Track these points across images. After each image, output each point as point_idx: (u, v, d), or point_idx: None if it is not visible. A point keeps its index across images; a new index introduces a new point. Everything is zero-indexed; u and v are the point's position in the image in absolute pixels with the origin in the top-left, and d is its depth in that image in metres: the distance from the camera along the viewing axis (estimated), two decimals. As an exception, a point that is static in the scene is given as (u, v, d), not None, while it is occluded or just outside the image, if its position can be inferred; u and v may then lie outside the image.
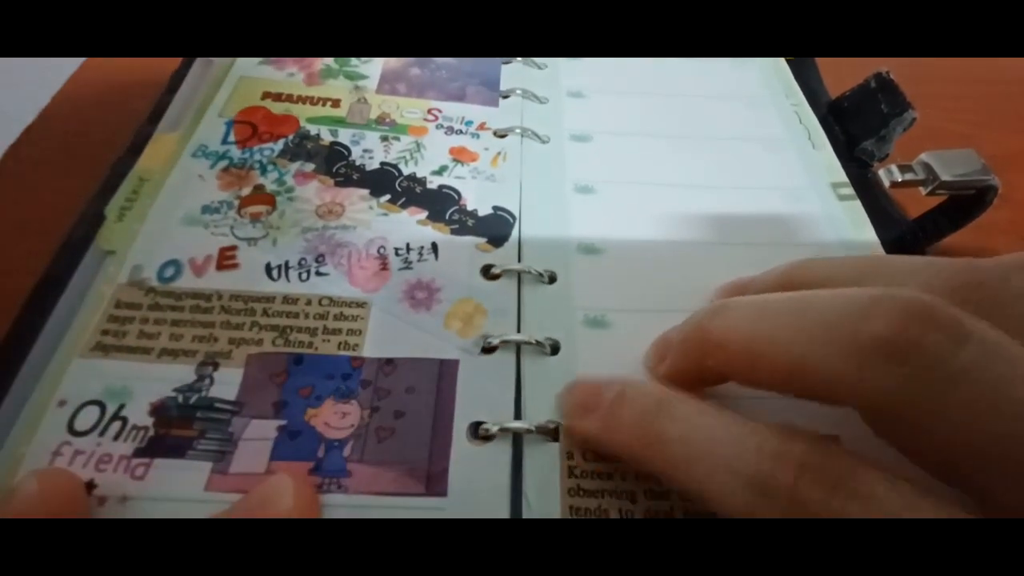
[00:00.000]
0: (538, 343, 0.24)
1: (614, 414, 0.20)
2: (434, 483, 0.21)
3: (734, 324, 0.19)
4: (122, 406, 0.22)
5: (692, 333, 0.21)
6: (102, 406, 0.22)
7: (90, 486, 0.20)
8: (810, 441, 0.16)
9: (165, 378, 0.23)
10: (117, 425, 0.22)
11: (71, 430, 0.21)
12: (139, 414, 0.22)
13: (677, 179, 0.31)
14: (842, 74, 0.35)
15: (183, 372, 0.23)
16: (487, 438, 0.22)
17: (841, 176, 0.31)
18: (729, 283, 0.25)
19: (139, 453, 0.21)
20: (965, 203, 0.28)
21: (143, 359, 0.23)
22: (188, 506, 0.20)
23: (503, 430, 0.22)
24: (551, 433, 0.22)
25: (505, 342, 0.24)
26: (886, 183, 0.28)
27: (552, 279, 0.27)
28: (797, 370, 0.17)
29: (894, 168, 0.28)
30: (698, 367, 0.21)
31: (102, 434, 0.21)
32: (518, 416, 0.23)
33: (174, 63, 0.34)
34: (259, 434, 0.22)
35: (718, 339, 0.19)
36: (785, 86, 0.37)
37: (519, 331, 0.25)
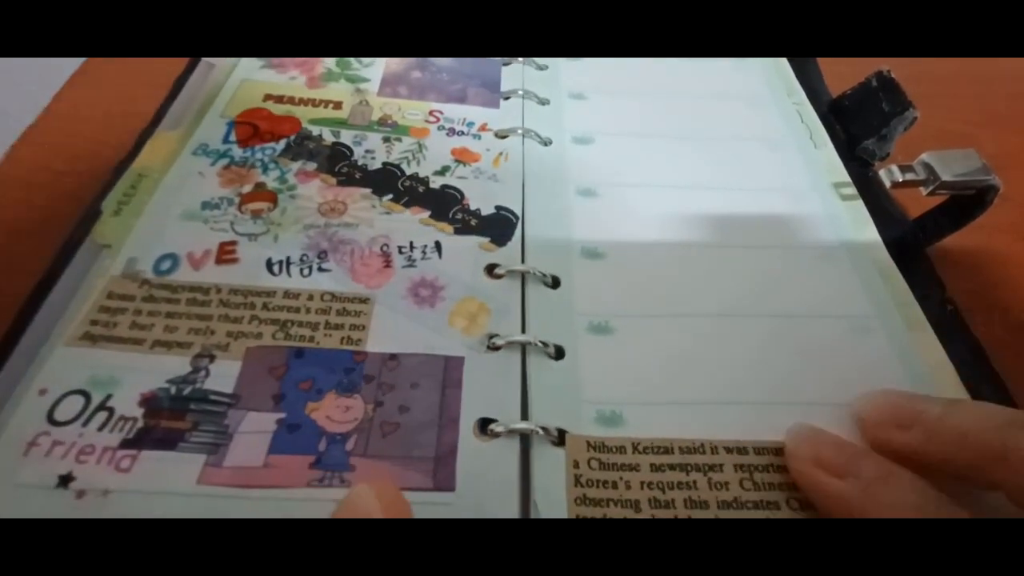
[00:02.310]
0: (543, 344, 0.24)
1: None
2: (441, 478, 0.20)
3: None
4: (109, 396, 0.21)
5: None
6: (87, 395, 0.21)
7: (67, 479, 0.20)
8: None
9: (157, 369, 0.22)
10: (102, 415, 0.21)
11: (50, 419, 0.21)
12: (128, 405, 0.21)
13: (679, 180, 0.31)
14: (843, 73, 0.35)
15: (177, 364, 0.22)
16: (494, 435, 0.22)
17: (843, 176, 0.32)
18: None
19: (126, 444, 0.20)
20: (966, 203, 0.28)
21: (134, 350, 0.23)
22: (178, 500, 0.19)
23: (510, 431, 0.22)
24: (557, 439, 0.22)
25: (511, 343, 0.24)
26: (887, 183, 0.28)
27: (555, 283, 0.26)
28: None
29: (895, 168, 0.28)
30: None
31: (85, 424, 0.21)
32: (524, 414, 0.22)
33: (175, 64, 0.34)
34: (257, 427, 0.21)
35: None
36: (786, 85, 0.37)
37: (523, 330, 0.25)
